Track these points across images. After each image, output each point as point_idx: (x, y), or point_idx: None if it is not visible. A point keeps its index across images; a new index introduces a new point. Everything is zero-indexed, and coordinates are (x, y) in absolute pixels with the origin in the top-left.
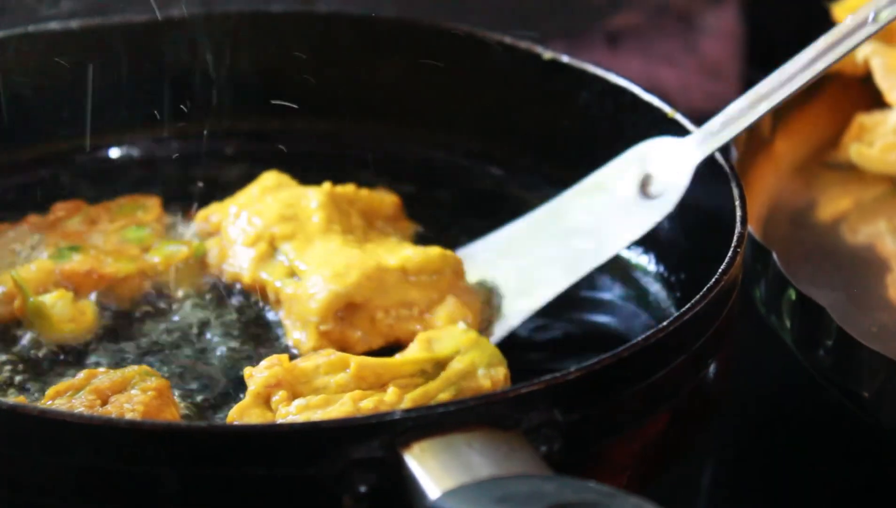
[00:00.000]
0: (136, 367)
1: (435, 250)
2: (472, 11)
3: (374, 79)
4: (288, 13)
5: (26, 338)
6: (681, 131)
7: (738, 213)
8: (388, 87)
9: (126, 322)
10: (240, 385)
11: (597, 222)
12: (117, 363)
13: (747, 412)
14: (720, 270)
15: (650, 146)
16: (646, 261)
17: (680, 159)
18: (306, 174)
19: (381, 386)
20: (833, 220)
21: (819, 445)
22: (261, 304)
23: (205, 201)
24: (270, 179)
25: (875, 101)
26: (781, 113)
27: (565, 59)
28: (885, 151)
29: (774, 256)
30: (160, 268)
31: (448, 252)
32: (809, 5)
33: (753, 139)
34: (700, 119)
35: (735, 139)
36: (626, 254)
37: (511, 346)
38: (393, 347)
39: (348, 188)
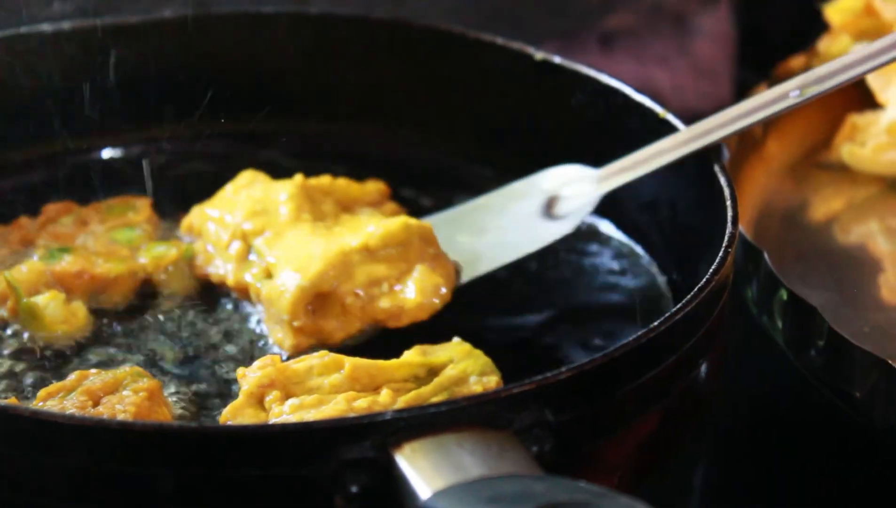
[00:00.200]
0: (127, 368)
1: (396, 222)
2: (465, 12)
3: (366, 80)
4: (280, 14)
5: (18, 339)
6: (671, 131)
7: (729, 213)
8: (381, 88)
9: (118, 324)
10: (230, 386)
11: (503, 227)
12: (109, 365)
13: (739, 412)
14: (711, 270)
15: (563, 171)
16: (638, 261)
17: (586, 190)
18: (300, 174)
19: (375, 388)
20: (825, 220)
21: (811, 445)
22: (246, 304)
23: (197, 202)
24: (245, 177)
25: (867, 101)
26: None
27: (557, 59)
28: (877, 151)
29: (766, 256)
30: (150, 269)
31: (412, 221)
32: (802, 7)
33: (745, 140)
34: (693, 120)
35: (727, 141)
36: (620, 253)
37: (503, 346)
38: (382, 338)
39: (324, 179)
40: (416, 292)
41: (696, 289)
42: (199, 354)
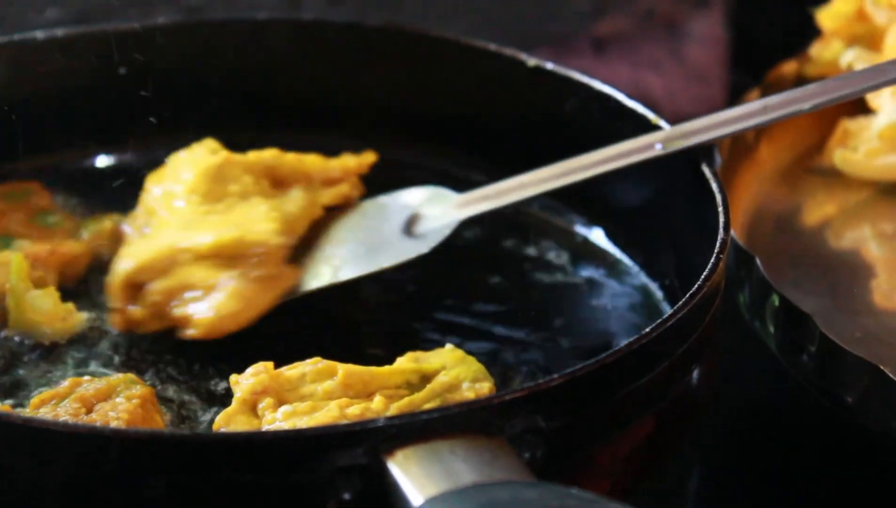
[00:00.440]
0: (121, 375)
1: (231, 235)
2: (459, 19)
3: (359, 86)
4: (274, 21)
5: (10, 341)
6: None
7: (721, 219)
8: (373, 94)
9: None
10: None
11: (361, 240)
12: (103, 364)
13: (731, 417)
14: (702, 276)
15: (427, 192)
16: (631, 267)
17: (447, 213)
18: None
19: (368, 395)
20: (817, 225)
21: (803, 449)
22: None
23: None
24: (197, 148)
25: (859, 106)
26: None
27: (549, 65)
28: (869, 156)
29: (758, 261)
30: (93, 244)
31: (250, 236)
32: (794, 11)
33: (738, 145)
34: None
35: (719, 145)
36: (612, 260)
37: (497, 353)
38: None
39: (267, 153)
40: (209, 308)
41: (687, 295)
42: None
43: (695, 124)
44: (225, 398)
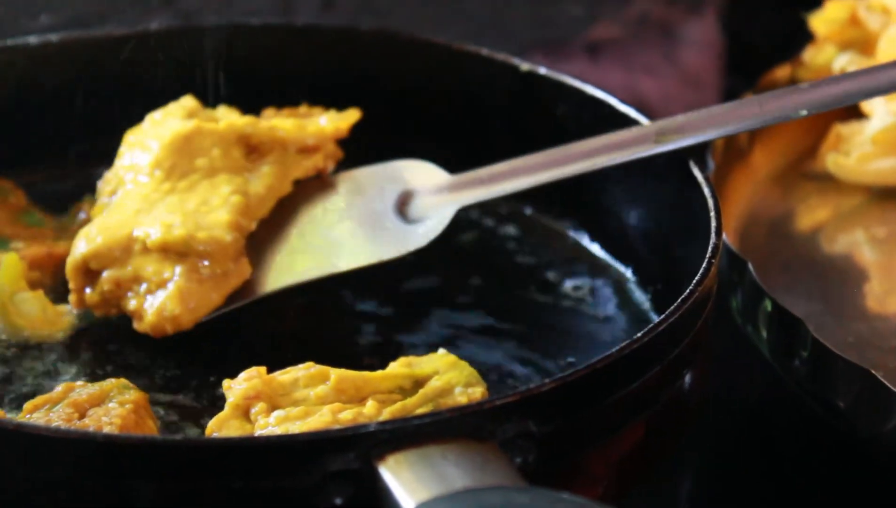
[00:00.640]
0: (114, 380)
1: (179, 234)
2: (451, 24)
3: (352, 90)
4: (267, 26)
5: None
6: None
7: (713, 223)
8: (366, 99)
9: (103, 328)
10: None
11: (357, 222)
12: (95, 368)
13: (724, 422)
14: (694, 281)
15: (412, 165)
16: (623, 271)
17: (441, 195)
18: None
19: (361, 400)
20: (810, 230)
21: (795, 454)
22: None
23: None
24: (174, 106)
25: (852, 111)
26: None
27: (542, 70)
28: (862, 160)
29: (750, 266)
30: None
31: (200, 235)
32: (787, 16)
33: (731, 150)
34: None
35: (712, 149)
36: (603, 265)
37: (489, 358)
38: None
39: (241, 120)
40: (152, 308)
41: (679, 300)
42: (185, 361)
43: (690, 116)
44: (217, 403)
